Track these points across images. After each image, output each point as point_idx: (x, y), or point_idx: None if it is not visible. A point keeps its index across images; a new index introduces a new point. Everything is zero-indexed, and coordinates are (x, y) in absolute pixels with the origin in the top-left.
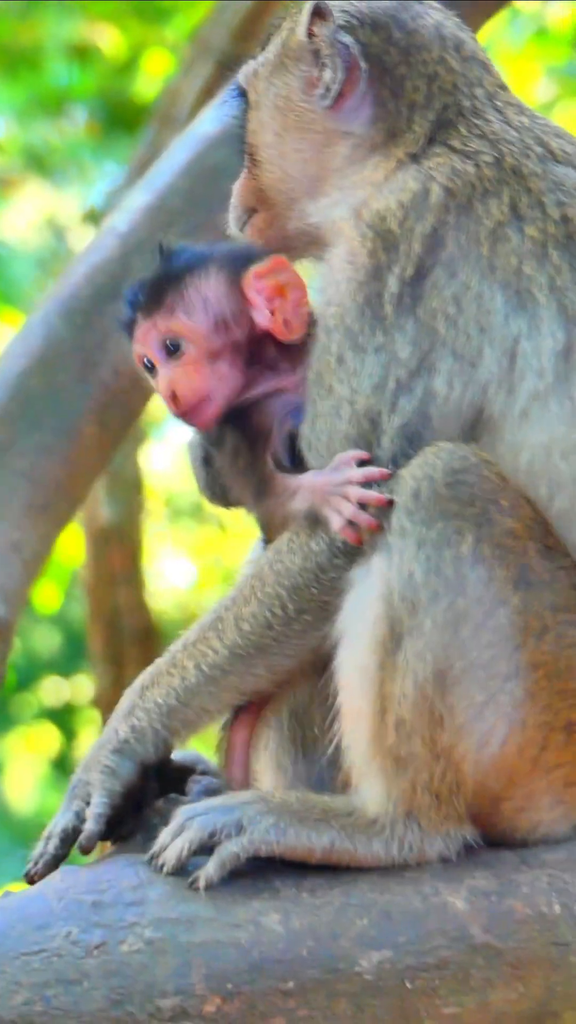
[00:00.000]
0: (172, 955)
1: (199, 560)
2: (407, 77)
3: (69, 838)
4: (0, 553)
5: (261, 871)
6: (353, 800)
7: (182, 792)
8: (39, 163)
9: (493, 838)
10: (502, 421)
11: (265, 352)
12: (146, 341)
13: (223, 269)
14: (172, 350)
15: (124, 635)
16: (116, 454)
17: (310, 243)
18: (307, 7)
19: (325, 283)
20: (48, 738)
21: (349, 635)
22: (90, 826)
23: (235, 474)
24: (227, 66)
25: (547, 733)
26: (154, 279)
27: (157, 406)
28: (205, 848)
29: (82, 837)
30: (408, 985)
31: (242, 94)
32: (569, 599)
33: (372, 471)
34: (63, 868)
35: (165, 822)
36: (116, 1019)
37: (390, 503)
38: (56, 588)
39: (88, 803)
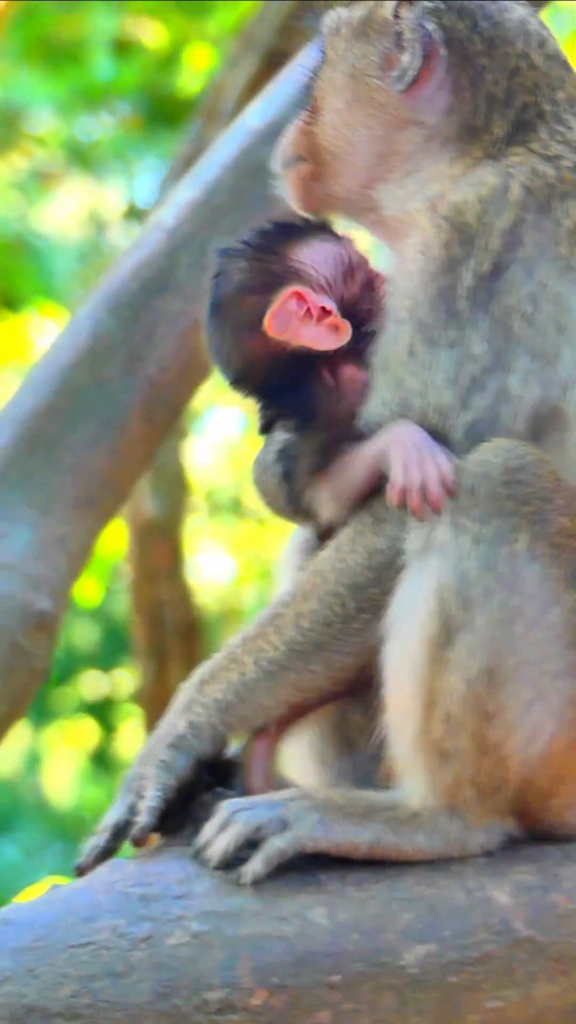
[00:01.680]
0: (219, 948)
1: (238, 555)
2: (488, 69)
3: (121, 832)
4: (45, 547)
5: (306, 865)
6: (396, 794)
7: (229, 786)
8: (81, 157)
9: (540, 834)
10: (574, 420)
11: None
12: None
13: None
14: None
15: (167, 630)
16: (161, 449)
17: (358, 212)
18: None
19: (396, 273)
20: (87, 732)
21: (398, 629)
22: (143, 819)
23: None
24: (272, 62)
25: None
26: None
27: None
28: (250, 843)
29: (135, 830)
30: (452, 979)
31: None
32: None
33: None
34: (111, 861)
35: (210, 816)
36: (163, 1012)
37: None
38: (97, 582)
39: (142, 797)
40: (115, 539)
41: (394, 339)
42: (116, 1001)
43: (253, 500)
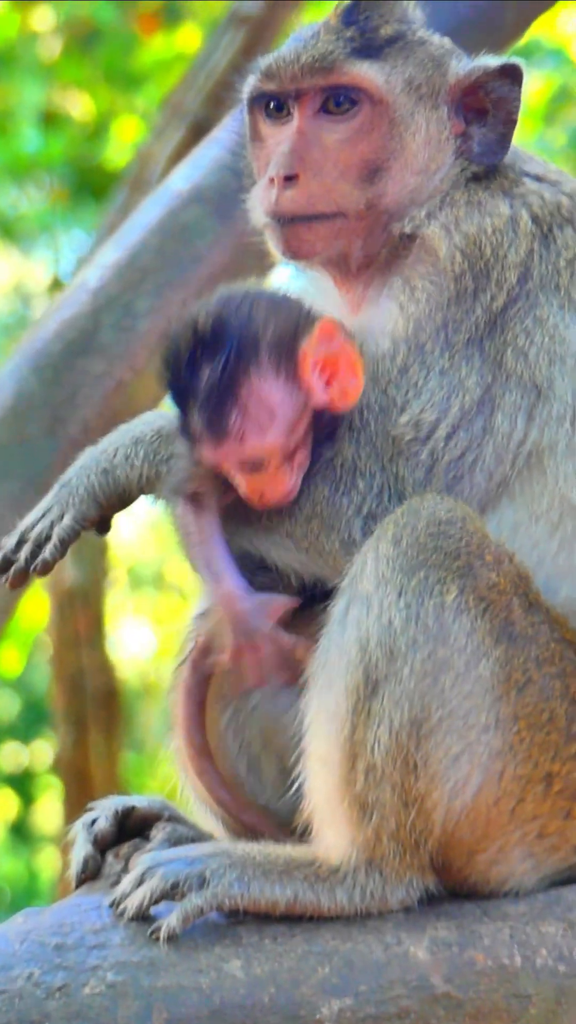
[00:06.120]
0: (134, 999)
1: (160, 628)
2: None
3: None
4: None
5: (224, 916)
6: (315, 848)
7: (146, 838)
8: (7, 229)
9: (461, 890)
10: (566, 450)
11: (321, 420)
12: (222, 463)
13: (274, 360)
14: (253, 467)
15: (87, 697)
16: None
17: (360, 261)
18: (495, 65)
19: (397, 293)
20: (6, 804)
21: (320, 678)
22: (46, 556)
23: None
24: (199, 130)
25: (525, 785)
26: (211, 395)
27: None
28: (167, 896)
29: (38, 561)
30: None
31: (371, 96)
32: (552, 652)
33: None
34: (26, 910)
35: (128, 868)
36: None
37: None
38: (18, 652)
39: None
40: (37, 610)
41: (389, 355)
42: None
43: (175, 575)
